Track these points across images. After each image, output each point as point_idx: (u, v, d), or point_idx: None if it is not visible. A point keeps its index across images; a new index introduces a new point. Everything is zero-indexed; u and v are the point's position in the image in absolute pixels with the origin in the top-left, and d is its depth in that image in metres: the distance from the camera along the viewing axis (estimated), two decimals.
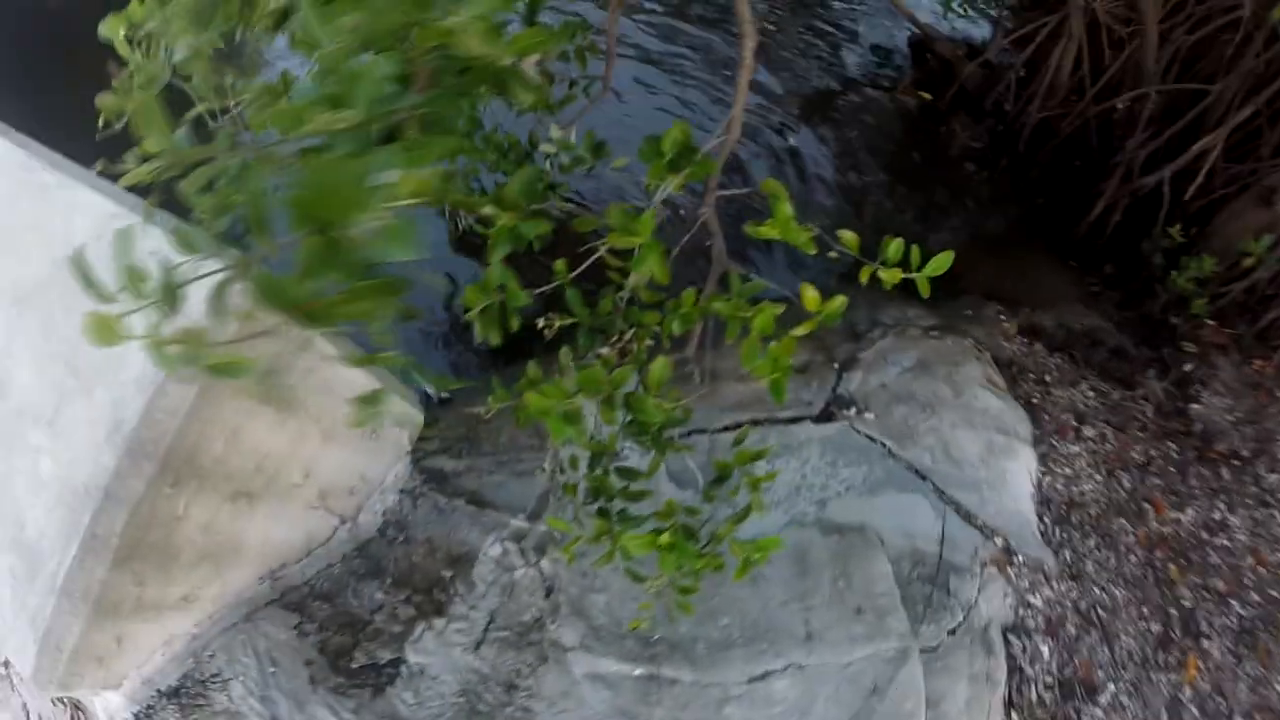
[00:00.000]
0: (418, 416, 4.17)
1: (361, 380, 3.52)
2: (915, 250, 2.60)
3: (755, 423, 4.27)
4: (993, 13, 6.94)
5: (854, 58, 7.09)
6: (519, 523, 3.83)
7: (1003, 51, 6.74)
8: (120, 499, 2.65)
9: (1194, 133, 5.64)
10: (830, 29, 7.34)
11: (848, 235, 2.69)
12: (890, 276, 2.62)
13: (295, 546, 3.69)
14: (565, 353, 2.85)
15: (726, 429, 4.24)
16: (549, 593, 3.60)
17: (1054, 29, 6.24)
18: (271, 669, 3.39)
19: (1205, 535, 4.44)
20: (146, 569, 2.92)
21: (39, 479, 2.70)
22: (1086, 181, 5.97)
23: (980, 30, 7.14)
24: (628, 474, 2.96)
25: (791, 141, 6.30)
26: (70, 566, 2.65)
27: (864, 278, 2.59)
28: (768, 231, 2.81)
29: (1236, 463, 4.81)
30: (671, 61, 6.58)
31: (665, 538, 2.97)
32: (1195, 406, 4.98)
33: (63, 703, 3.43)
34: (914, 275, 2.59)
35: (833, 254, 2.44)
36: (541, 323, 3.25)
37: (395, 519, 4.01)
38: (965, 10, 6.58)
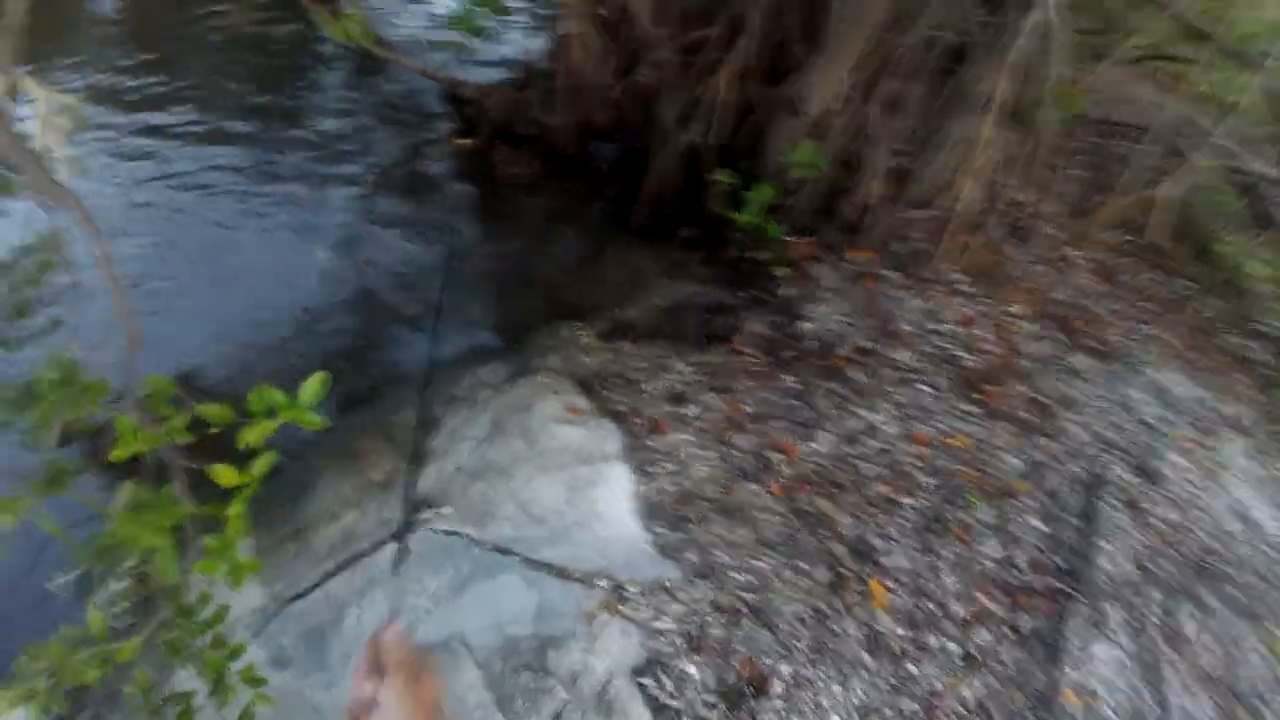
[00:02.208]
0: None
1: None
2: (274, 395, 2.23)
3: (339, 568, 3.72)
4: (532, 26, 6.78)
5: (410, 128, 6.79)
6: None
7: (534, 71, 6.55)
8: None
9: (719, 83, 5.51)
10: (387, 107, 7.05)
11: (213, 410, 2.29)
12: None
13: None
14: None
15: (320, 582, 3.68)
16: None
17: (562, 35, 6.08)
18: None
19: (850, 449, 4.10)
20: None
21: None
22: (641, 164, 5.75)
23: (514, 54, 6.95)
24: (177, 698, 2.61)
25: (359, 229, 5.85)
26: None
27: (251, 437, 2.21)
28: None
29: (864, 358, 4.54)
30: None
31: None
32: (806, 325, 4.72)
33: None
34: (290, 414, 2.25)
35: None
36: None
37: None
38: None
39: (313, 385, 2.21)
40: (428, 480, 3.96)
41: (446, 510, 3.78)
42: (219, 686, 2.64)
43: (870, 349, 4.62)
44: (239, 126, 6.63)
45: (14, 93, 4.11)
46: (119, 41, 8.13)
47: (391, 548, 3.75)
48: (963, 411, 4.31)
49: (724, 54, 5.39)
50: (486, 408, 4.23)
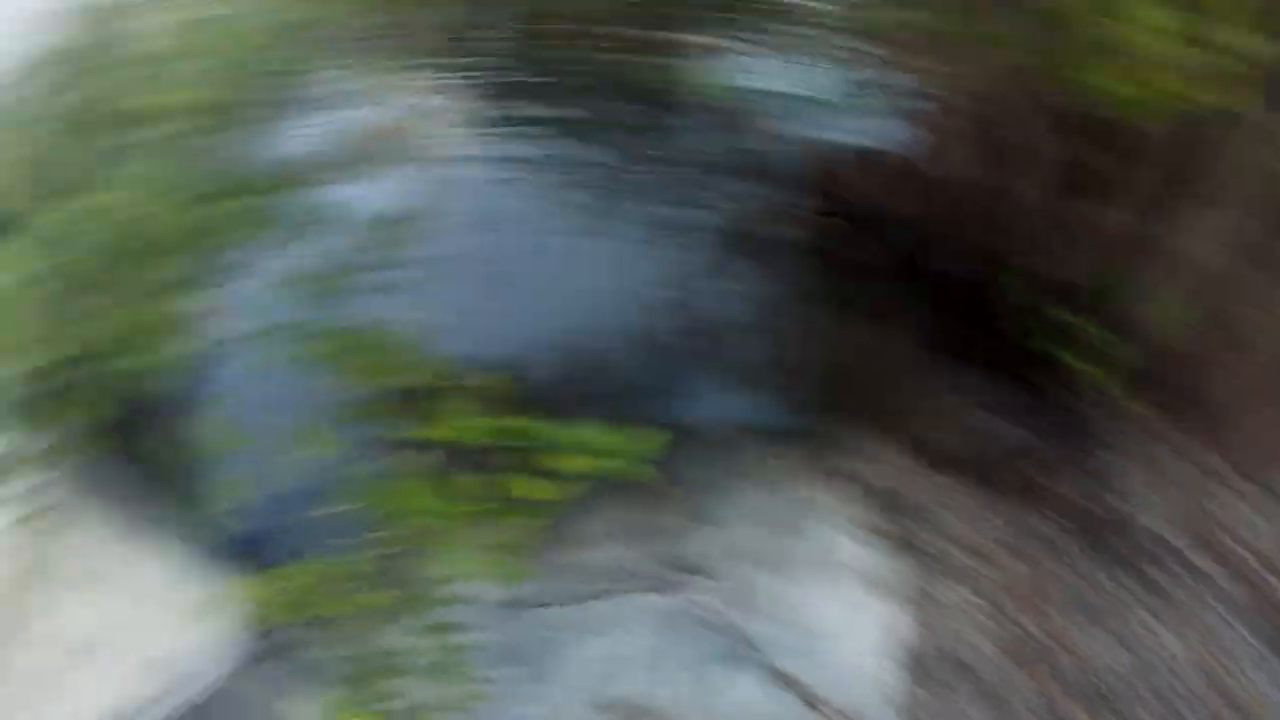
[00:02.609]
0: (239, 587, 4.11)
1: (173, 562, 3.86)
2: (609, 436, 2.39)
3: (590, 597, 3.96)
4: (897, 109, 6.68)
5: (763, 187, 6.89)
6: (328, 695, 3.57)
7: (904, 160, 6.45)
8: None
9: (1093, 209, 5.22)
10: (742, 161, 7.20)
11: (538, 427, 2.49)
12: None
13: (120, 701, 3.88)
14: None
15: (567, 603, 3.92)
16: None
17: (944, 123, 5.95)
18: None
19: (1136, 668, 3.80)
20: None
21: None
22: (989, 279, 5.53)
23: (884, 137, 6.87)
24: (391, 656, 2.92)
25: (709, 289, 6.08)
26: None
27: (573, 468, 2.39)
28: None
29: (1175, 562, 4.16)
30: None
31: None
32: (1113, 501, 4.40)
33: None
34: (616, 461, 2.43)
35: None
36: None
37: (223, 686, 3.95)
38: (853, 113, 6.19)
39: (651, 440, 2.33)
40: (695, 545, 4.09)
41: (708, 582, 3.89)
42: (440, 665, 2.87)
43: (1184, 554, 4.22)
44: (591, 147, 7.05)
45: (409, 89, 4.64)
46: (489, 48, 8.87)
47: (643, 597, 3.92)
48: (1271, 669, 3.85)
49: (1105, 183, 5.05)
50: (771, 490, 4.29)
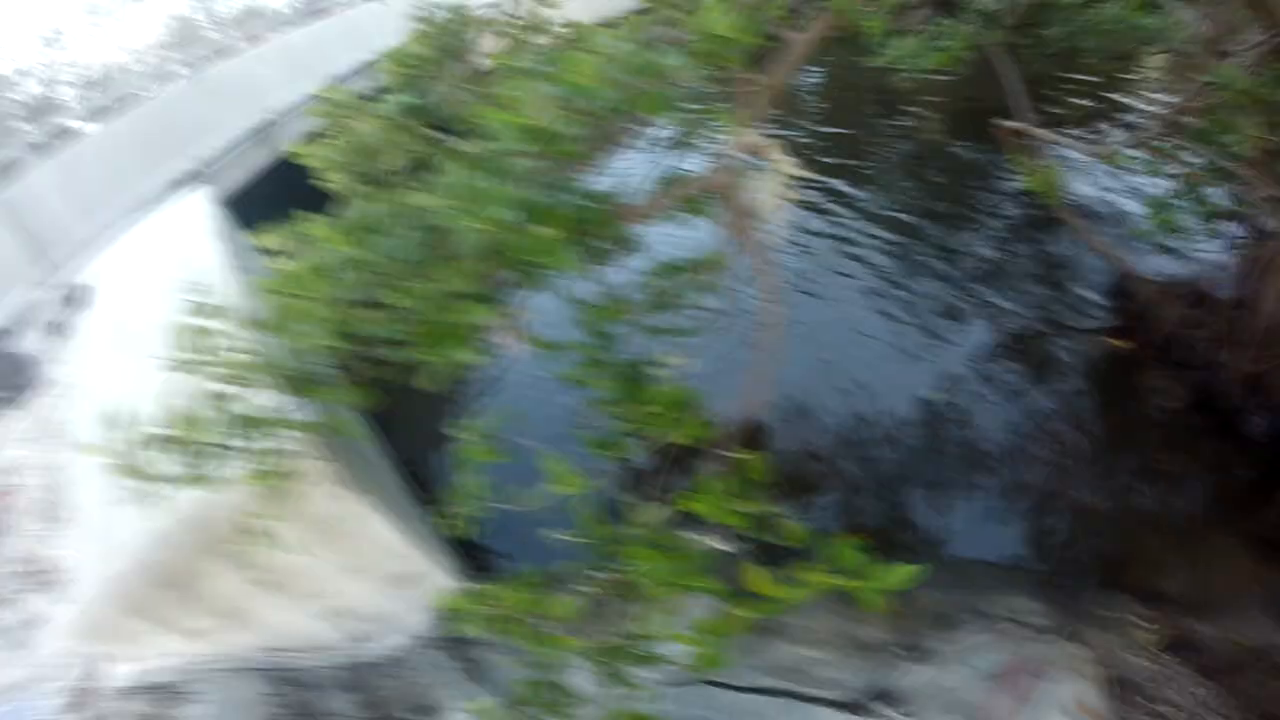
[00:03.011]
0: (447, 581, 4.55)
1: (391, 539, 4.21)
2: (861, 560, 2.29)
3: (783, 693, 3.84)
4: (1215, 241, 6.04)
5: (1064, 298, 6.46)
6: (487, 702, 3.71)
7: (1219, 289, 5.79)
8: (169, 547, 3.82)
9: None
10: (1048, 267, 6.82)
11: (792, 528, 2.42)
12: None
13: (297, 639, 4.45)
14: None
15: (750, 690, 3.87)
16: None
17: (1256, 266, 5.28)
18: (228, 711, 4.13)
19: None
20: (174, 599, 4.01)
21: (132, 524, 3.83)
22: None
23: (1201, 262, 6.22)
24: (557, 690, 2.92)
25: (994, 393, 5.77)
26: (125, 574, 3.84)
27: (813, 581, 2.32)
28: None
29: None
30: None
31: None
32: None
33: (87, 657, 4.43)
34: (859, 585, 2.32)
35: None
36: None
37: (396, 657, 4.43)
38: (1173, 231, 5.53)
39: (903, 574, 2.15)
40: (913, 678, 3.84)
41: (895, 717, 3.65)
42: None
43: None
44: (899, 225, 6.90)
45: (755, 150, 4.61)
46: (814, 113, 8.92)
47: (826, 710, 3.73)
48: None
49: None
50: (1006, 647, 3.95)
